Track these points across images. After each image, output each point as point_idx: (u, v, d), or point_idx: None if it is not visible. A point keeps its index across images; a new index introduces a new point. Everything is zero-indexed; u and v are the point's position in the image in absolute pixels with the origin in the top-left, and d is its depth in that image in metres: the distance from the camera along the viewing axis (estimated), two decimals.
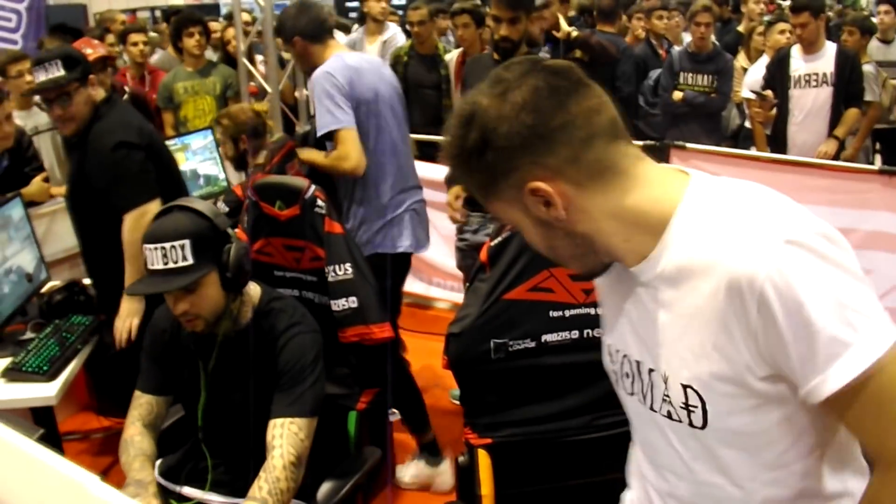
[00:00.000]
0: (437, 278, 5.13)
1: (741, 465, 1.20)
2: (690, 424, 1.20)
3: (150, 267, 2.06)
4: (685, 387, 1.17)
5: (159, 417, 2.33)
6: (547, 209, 1.15)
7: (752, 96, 5.49)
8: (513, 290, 2.31)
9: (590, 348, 2.37)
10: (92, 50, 4.40)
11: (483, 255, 2.37)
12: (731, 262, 1.07)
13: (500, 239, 2.33)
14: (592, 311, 2.36)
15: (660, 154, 4.60)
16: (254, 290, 2.28)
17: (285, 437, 2.07)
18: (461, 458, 2.40)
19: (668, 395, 1.21)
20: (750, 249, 1.06)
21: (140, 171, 2.95)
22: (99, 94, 3.06)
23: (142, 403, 2.31)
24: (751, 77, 5.70)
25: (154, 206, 2.77)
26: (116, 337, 2.96)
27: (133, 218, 2.91)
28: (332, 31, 3.48)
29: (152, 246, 2.04)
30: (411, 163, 3.56)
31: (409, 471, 3.43)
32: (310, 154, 3.32)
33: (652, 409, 1.27)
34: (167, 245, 2.02)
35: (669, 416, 1.23)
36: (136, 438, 2.25)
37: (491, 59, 3.51)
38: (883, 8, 6.47)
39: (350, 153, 3.12)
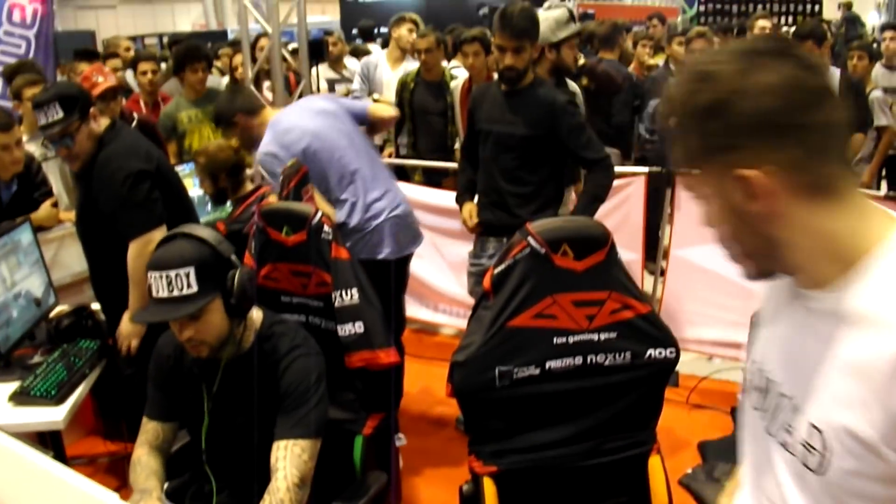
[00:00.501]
0: (444, 304, 5.14)
1: None
2: (804, 464, 1.13)
3: (155, 295, 2.08)
4: (812, 427, 1.10)
5: (167, 442, 2.35)
6: (745, 200, 1.08)
7: None
8: (517, 318, 2.32)
9: (594, 374, 2.39)
10: (103, 79, 4.47)
11: (486, 282, 2.39)
12: None
13: (503, 266, 2.34)
14: (595, 336, 2.37)
15: (666, 181, 4.62)
16: (256, 314, 2.30)
17: (289, 458, 2.08)
18: (465, 487, 2.40)
19: (791, 427, 1.15)
20: None
21: (146, 198, 2.97)
22: (102, 124, 3.08)
23: (149, 430, 2.33)
24: None
25: (159, 234, 2.78)
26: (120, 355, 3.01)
27: (138, 245, 2.94)
28: (263, 105, 3.74)
29: (157, 273, 2.06)
30: (378, 168, 3.66)
31: None
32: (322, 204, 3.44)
33: (769, 432, 1.22)
34: (172, 273, 2.05)
35: (785, 446, 1.17)
36: (143, 458, 2.27)
37: (498, 87, 3.53)
38: (888, 34, 6.48)
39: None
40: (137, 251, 2.93)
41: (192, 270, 2.05)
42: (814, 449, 1.10)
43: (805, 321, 1.15)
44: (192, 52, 5.36)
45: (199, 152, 3.95)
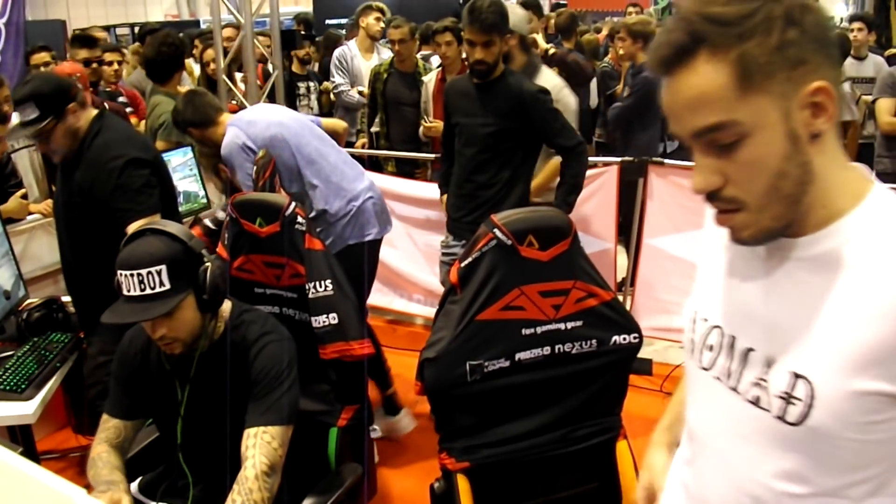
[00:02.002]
0: (417, 294, 5.15)
1: (811, 476, 1.11)
2: (780, 417, 1.10)
3: (126, 293, 2.04)
4: (797, 376, 1.08)
5: (126, 441, 2.31)
6: (814, 120, 1.03)
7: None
8: (485, 311, 2.33)
9: (562, 363, 2.42)
10: (80, 73, 4.40)
11: (453, 276, 2.39)
12: None
13: (469, 259, 2.35)
14: (562, 325, 2.39)
15: (638, 170, 4.65)
16: (225, 304, 2.28)
17: (258, 446, 2.07)
18: (436, 485, 2.40)
19: (764, 380, 1.13)
20: None
21: (145, 184, 2.90)
22: (86, 115, 2.99)
23: (108, 427, 2.29)
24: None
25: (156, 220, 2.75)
26: None
27: (136, 227, 2.88)
28: (219, 109, 3.71)
29: (128, 272, 2.02)
30: (344, 154, 3.74)
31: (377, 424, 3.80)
32: None
33: (734, 389, 1.18)
34: (143, 271, 2.01)
35: (756, 401, 1.14)
36: (103, 455, 2.23)
37: (470, 81, 3.54)
38: (856, 25, 6.59)
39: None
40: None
41: (164, 268, 2.03)
42: (796, 399, 1.08)
43: (783, 272, 1.13)
44: (182, 43, 5.08)
45: (199, 154, 4.00)
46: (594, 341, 2.41)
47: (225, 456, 2.18)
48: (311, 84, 6.95)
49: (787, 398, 1.09)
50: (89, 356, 3.05)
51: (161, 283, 2.02)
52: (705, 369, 1.26)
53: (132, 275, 2.02)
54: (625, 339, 2.44)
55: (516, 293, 2.33)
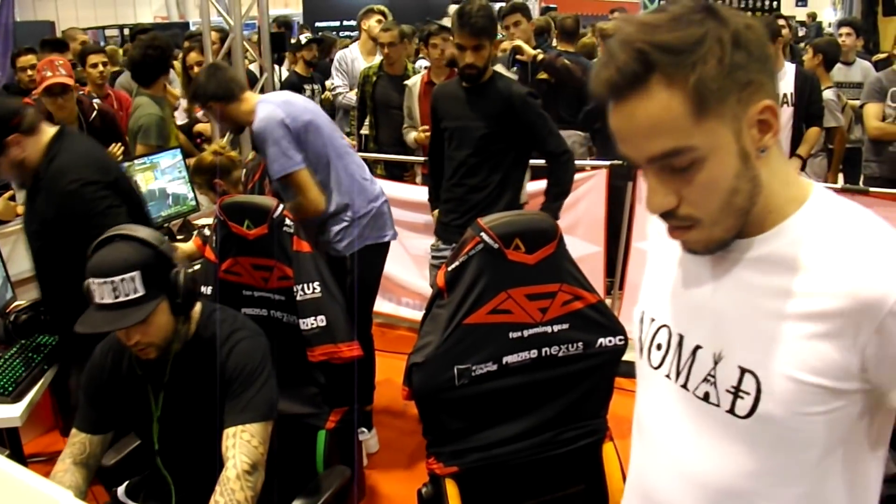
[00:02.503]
0: (406, 298, 5.16)
1: (765, 467, 1.15)
2: (730, 410, 1.15)
3: (98, 301, 1.99)
4: (744, 370, 1.13)
5: (93, 457, 2.27)
6: (761, 137, 1.07)
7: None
8: (473, 314, 2.33)
9: (548, 366, 2.42)
10: (52, 73, 4.34)
11: (440, 280, 2.39)
12: (862, 277, 1.03)
13: (456, 263, 2.35)
14: (549, 329, 2.40)
15: (626, 174, 4.67)
16: (195, 307, 2.26)
17: (238, 445, 2.05)
18: (424, 490, 2.40)
19: (712, 376, 1.17)
20: (887, 271, 1.03)
21: (107, 207, 2.74)
22: (36, 142, 2.77)
23: (75, 442, 2.26)
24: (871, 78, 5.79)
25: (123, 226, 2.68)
26: None
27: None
28: (243, 86, 3.60)
29: (100, 280, 1.97)
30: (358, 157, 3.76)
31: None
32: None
33: (684, 386, 1.22)
34: (117, 278, 1.97)
35: (706, 397, 1.18)
36: (58, 475, 2.20)
37: (459, 84, 3.55)
38: (844, 30, 6.63)
39: (313, 196, 3.33)
40: None
41: (137, 274, 1.99)
42: (744, 393, 1.13)
43: (731, 273, 1.17)
44: (169, 46, 5.06)
45: (193, 173, 4.03)
46: (580, 344, 2.42)
47: (205, 458, 2.17)
48: (315, 87, 6.96)
49: (736, 392, 1.14)
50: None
51: (135, 290, 1.99)
52: (655, 368, 1.29)
53: (105, 282, 1.97)
54: (610, 341, 2.45)
55: (503, 297, 2.33)
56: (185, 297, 2.12)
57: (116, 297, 1.98)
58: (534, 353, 2.39)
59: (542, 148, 3.51)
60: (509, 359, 2.38)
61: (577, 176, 4.65)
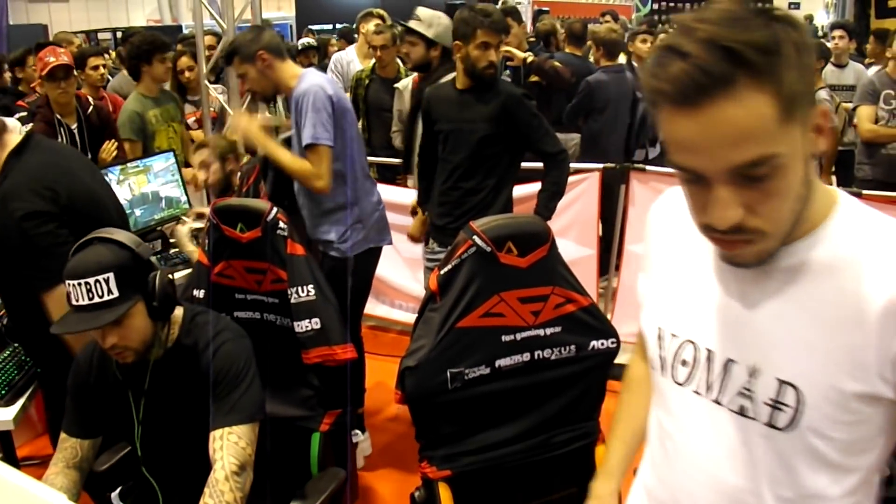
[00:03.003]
0: (399, 300, 5.16)
1: (799, 478, 1.14)
2: (769, 423, 1.13)
3: (74, 303, 2.01)
4: (783, 383, 1.10)
5: (85, 460, 2.28)
6: (816, 142, 1.05)
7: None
8: (465, 318, 2.33)
9: (541, 369, 2.42)
10: (55, 58, 4.47)
11: (433, 283, 2.39)
12: None
13: (449, 266, 2.35)
14: (542, 332, 2.40)
15: (619, 176, 4.68)
16: (177, 311, 2.25)
17: (225, 447, 2.06)
18: (417, 494, 2.41)
19: (749, 390, 1.14)
20: None
21: (51, 244, 2.50)
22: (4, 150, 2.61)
23: (66, 447, 2.26)
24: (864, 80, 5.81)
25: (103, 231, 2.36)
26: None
27: (53, 300, 2.52)
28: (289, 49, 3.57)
29: (75, 282, 1.99)
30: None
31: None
32: (278, 153, 3.33)
33: (717, 401, 1.19)
34: (91, 280, 1.99)
35: (742, 411, 1.16)
36: (51, 478, 2.19)
37: (453, 87, 3.56)
38: (837, 33, 6.63)
39: (324, 173, 3.26)
40: (54, 306, 2.50)
41: (111, 276, 2.00)
42: (784, 405, 1.10)
43: (764, 282, 1.13)
44: (158, 42, 5.04)
45: (205, 140, 4.03)
46: (573, 347, 2.43)
47: (190, 463, 2.17)
48: None
49: (775, 405, 1.11)
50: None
51: (109, 291, 2.00)
52: (680, 384, 1.26)
53: (80, 284, 1.99)
54: (602, 343, 2.46)
55: (496, 300, 2.34)
56: (161, 300, 2.11)
57: (91, 299, 1.99)
58: (526, 357, 2.40)
59: (538, 148, 3.51)
60: (502, 362, 2.39)
61: (570, 178, 4.66)
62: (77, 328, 2.00)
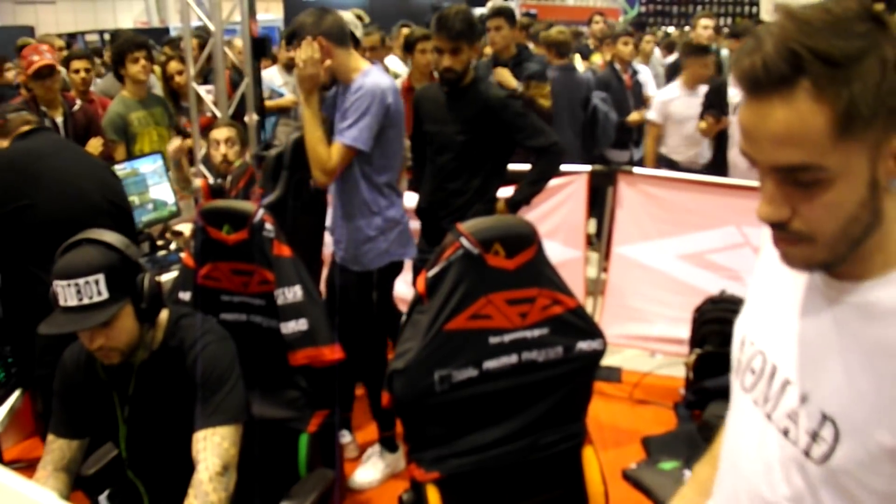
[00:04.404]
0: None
1: None
2: (806, 452, 1.12)
3: (62, 304, 2.01)
4: (825, 417, 1.09)
5: (73, 462, 2.27)
6: (891, 169, 0.99)
7: (656, 118, 5.72)
8: (453, 320, 2.34)
9: (528, 371, 2.43)
10: (39, 57, 4.56)
11: (420, 286, 2.39)
12: None
13: (437, 269, 2.35)
14: (529, 333, 2.41)
15: (607, 179, 4.69)
16: (162, 313, 2.25)
17: (209, 448, 2.06)
18: (405, 496, 2.41)
19: (795, 414, 1.14)
20: None
21: None
22: None
23: (54, 449, 2.25)
24: (659, 99, 5.87)
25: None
26: None
27: None
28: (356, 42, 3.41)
29: (64, 283, 1.99)
30: None
31: (378, 466, 3.59)
32: (314, 119, 3.11)
33: (769, 416, 1.20)
34: (80, 281, 1.99)
35: (786, 433, 1.16)
36: (41, 481, 2.18)
37: (440, 88, 3.57)
38: None
39: (336, 171, 3.12)
40: None
41: (101, 277, 2.00)
42: (822, 439, 1.09)
43: (830, 312, 1.11)
44: (131, 41, 5.05)
45: (230, 123, 4.12)
46: (560, 348, 2.43)
47: (174, 465, 2.17)
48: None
49: (814, 436, 1.10)
50: None
51: (99, 293, 2.00)
52: (746, 391, 1.27)
53: (69, 285, 1.99)
54: (589, 345, 2.47)
55: (483, 302, 2.34)
56: (149, 301, 2.12)
57: (80, 300, 1.99)
58: (514, 359, 2.40)
59: (528, 145, 3.49)
60: (490, 364, 2.39)
61: (558, 181, 4.67)
62: (65, 329, 2.00)
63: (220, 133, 4.00)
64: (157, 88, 5.79)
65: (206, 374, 2.14)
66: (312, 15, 3.15)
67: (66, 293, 1.99)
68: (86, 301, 1.99)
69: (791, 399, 1.15)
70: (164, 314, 2.26)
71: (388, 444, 3.62)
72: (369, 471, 3.59)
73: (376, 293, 3.34)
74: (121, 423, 2.25)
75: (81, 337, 2.10)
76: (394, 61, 6.55)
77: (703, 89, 5.42)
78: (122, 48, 4.96)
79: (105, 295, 2.01)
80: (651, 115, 5.79)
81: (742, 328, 1.32)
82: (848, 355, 1.07)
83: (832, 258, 1.06)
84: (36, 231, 2.83)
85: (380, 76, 3.17)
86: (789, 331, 1.19)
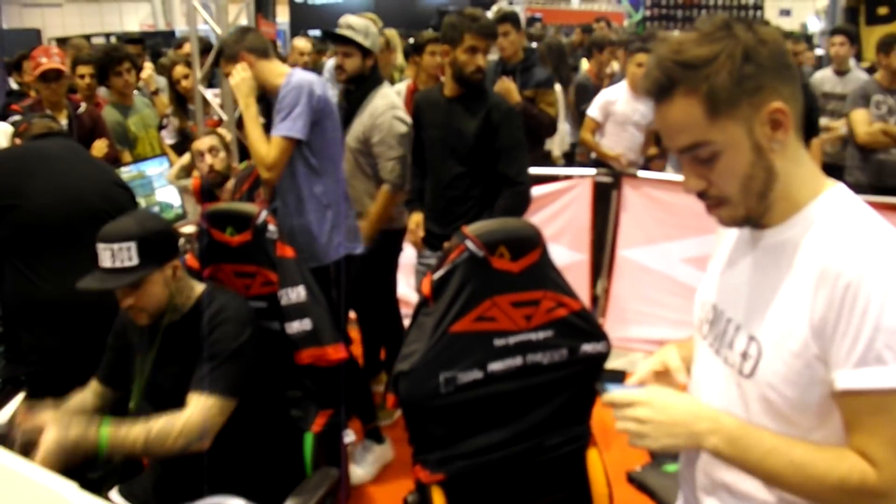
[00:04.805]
0: None
1: (758, 420, 1.36)
2: (739, 371, 1.39)
3: (100, 264, 2.24)
4: (751, 338, 1.37)
5: (101, 409, 2.45)
6: (773, 133, 1.30)
7: (596, 115, 5.36)
8: (458, 322, 2.34)
9: (533, 373, 2.43)
10: (47, 59, 4.57)
11: (425, 288, 2.40)
12: (832, 253, 1.26)
13: (442, 271, 2.36)
14: (534, 336, 2.41)
15: (612, 183, 4.71)
16: (198, 286, 2.46)
17: (198, 407, 2.22)
18: (410, 498, 2.41)
19: (732, 343, 1.42)
20: (855, 253, 1.24)
21: None
22: None
23: (88, 388, 2.49)
24: (603, 97, 5.49)
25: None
26: None
27: None
28: (276, 53, 3.52)
29: (103, 245, 2.24)
30: None
31: (367, 459, 3.68)
32: (251, 120, 3.25)
33: (717, 352, 1.47)
34: (115, 246, 2.22)
35: (726, 361, 1.44)
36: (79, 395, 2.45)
37: (441, 93, 3.56)
38: (837, 39, 6.31)
39: (279, 165, 3.21)
40: None
41: (133, 245, 2.22)
42: (749, 356, 1.37)
43: (754, 258, 1.42)
44: (109, 57, 5.14)
45: (211, 131, 4.11)
46: (565, 350, 2.44)
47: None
48: None
49: (744, 356, 1.38)
50: None
51: (130, 259, 2.23)
52: (704, 338, 1.54)
53: (105, 248, 2.23)
54: (593, 347, 2.47)
55: (488, 304, 2.35)
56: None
57: (113, 263, 2.23)
58: (519, 361, 2.41)
59: (501, 169, 3.44)
60: (494, 366, 2.40)
61: (563, 184, 4.69)
62: (94, 286, 2.23)
63: (202, 143, 3.96)
64: (164, 91, 5.83)
65: (214, 343, 2.29)
66: (235, 34, 3.42)
67: (103, 255, 2.23)
68: (118, 264, 2.22)
69: (731, 332, 1.44)
70: (200, 286, 2.46)
71: (375, 436, 3.72)
72: (361, 467, 3.66)
73: (335, 289, 3.35)
74: (137, 379, 2.41)
75: (117, 294, 2.30)
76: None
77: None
78: (104, 63, 5.03)
79: (135, 261, 2.23)
80: (591, 111, 5.42)
81: (699, 295, 1.61)
82: (765, 285, 1.37)
83: (750, 212, 1.36)
84: (25, 230, 2.86)
85: (303, 74, 3.29)
86: (728, 279, 1.50)
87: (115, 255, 2.22)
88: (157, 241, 2.29)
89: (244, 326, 2.35)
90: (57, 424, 2.09)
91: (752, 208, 1.36)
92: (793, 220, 1.35)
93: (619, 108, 5.28)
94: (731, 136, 1.30)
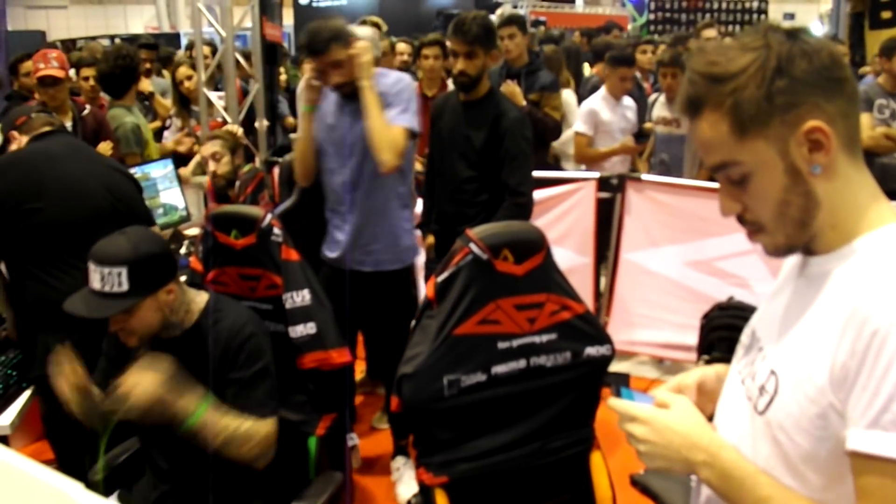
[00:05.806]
0: None
1: (764, 462, 1.23)
2: (755, 405, 1.26)
3: (89, 285, 2.13)
4: (772, 372, 1.24)
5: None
6: (811, 155, 1.16)
7: (585, 129, 5.25)
8: (462, 325, 2.34)
9: (537, 376, 2.43)
10: (44, 65, 4.54)
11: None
12: (864, 295, 1.10)
13: (446, 274, 2.36)
14: (538, 339, 2.41)
15: (615, 186, 4.70)
16: (199, 298, 2.35)
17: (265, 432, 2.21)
18: (413, 500, 2.42)
19: (755, 372, 1.29)
20: (886, 298, 1.07)
21: None
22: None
23: None
24: (587, 108, 5.38)
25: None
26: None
27: None
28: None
29: (94, 266, 2.11)
30: None
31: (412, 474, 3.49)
32: (373, 101, 3.12)
33: (743, 382, 1.34)
34: (105, 270, 2.10)
35: (748, 391, 1.31)
36: None
37: (457, 97, 3.57)
38: (841, 49, 6.52)
39: (401, 154, 3.14)
40: None
41: (124, 271, 2.10)
42: (766, 392, 1.24)
43: (796, 286, 1.29)
44: (130, 66, 4.95)
45: (219, 133, 4.07)
46: (568, 353, 2.44)
47: (191, 446, 2.20)
48: None
49: (762, 390, 1.25)
50: None
51: (119, 284, 2.10)
52: (737, 363, 1.41)
53: (96, 270, 2.11)
54: (597, 350, 2.47)
55: (492, 307, 2.35)
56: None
57: (103, 287, 2.10)
58: (522, 364, 2.41)
59: (504, 177, 3.44)
60: (498, 369, 2.40)
61: (566, 187, 4.69)
62: (81, 312, 2.12)
63: (206, 150, 3.97)
64: (168, 93, 5.83)
65: (249, 362, 2.24)
66: (324, 21, 3.20)
67: (93, 276, 2.11)
68: (107, 289, 2.10)
69: (758, 361, 1.31)
70: (202, 297, 2.35)
71: (405, 452, 3.60)
72: (409, 484, 3.52)
73: (414, 290, 3.36)
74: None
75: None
76: None
77: (627, 100, 5.31)
78: (126, 71, 4.86)
79: (125, 287, 2.10)
80: (580, 126, 5.27)
81: (751, 320, 1.45)
82: (798, 319, 1.23)
83: (791, 241, 1.23)
84: (38, 233, 2.88)
85: (400, 73, 3.30)
86: (771, 304, 1.36)
87: (105, 278, 2.09)
88: (150, 267, 2.16)
89: (265, 337, 2.33)
90: (161, 379, 2.07)
91: (792, 237, 1.22)
92: (840, 252, 1.20)
93: (605, 117, 5.23)
94: (762, 156, 1.17)
